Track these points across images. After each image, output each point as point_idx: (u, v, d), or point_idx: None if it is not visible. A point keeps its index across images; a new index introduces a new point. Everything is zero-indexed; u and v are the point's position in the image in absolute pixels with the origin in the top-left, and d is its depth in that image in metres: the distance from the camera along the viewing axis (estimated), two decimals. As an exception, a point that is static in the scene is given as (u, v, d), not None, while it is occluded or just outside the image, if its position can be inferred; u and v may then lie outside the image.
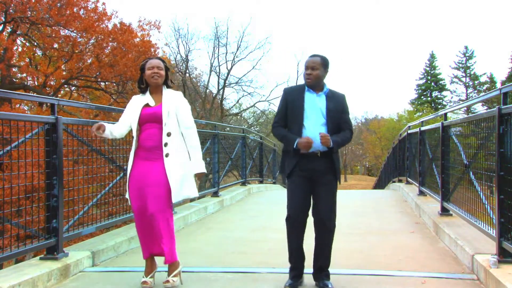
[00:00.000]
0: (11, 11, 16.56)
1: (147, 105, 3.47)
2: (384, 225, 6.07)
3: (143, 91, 3.57)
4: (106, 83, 20.55)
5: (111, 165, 4.96)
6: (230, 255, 4.56)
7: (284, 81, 37.49)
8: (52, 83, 20.74)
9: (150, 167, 3.39)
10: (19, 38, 18.63)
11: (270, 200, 9.03)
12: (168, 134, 3.40)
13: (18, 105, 19.23)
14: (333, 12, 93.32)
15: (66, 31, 18.10)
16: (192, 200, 7.59)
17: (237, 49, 33.11)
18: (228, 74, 33.24)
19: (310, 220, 3.40)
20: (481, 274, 3.47)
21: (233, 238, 5.37)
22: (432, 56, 55.99)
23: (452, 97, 55.21)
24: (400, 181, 11.06)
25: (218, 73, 33.39)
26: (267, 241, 5.04)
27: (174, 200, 3.39)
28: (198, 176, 3.48)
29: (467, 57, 54.11)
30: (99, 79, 19.93)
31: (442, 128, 5.64)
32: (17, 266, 3.59)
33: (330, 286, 3.31)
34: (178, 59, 32.40)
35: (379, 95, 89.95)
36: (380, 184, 18.39)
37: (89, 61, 19.47)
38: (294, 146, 3.30)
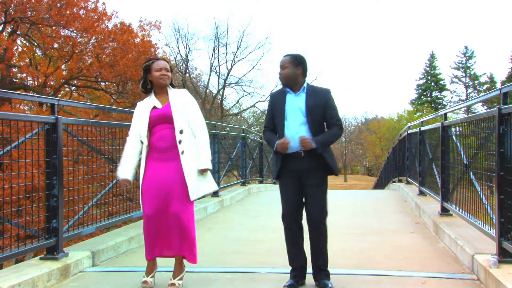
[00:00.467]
0: (11, 11, 16.56)
1: (154, 107, 3.44)
2: (384, 225, 6.07)
3: (147, 92, 3.53)
4: (106, 83, 20.55)
5: (111, 165, 4.96)
6: (230, 255, 4.57)
7: (284, 81, 37.32)
8: (52, 83, 20.73)
9: (168, 167, 3.36)
10: (19, 38, 18.63)
11: (270, 200, 9.03)
12: (181, 132, 3.39)
13: (19, 105, 19.23)
14: (333, 12, 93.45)
15: (66, 31, 18.09)
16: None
17: (237, 49, 33.18)
18: (228, 74, 33.29)
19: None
20: (481, 274, 3.47)
21: (233, 238, 5.38)
22: (432, 56, 56.01)
23: (452, 97, 55.31)
24: (400, 181, 11.06)
25: (218, 73, 33.44)
26: (267, 241, 5.04)
27: (192, 198, 3.38)
28: (202, 172, 3.42)
29: (467, 57, 54.12)
30: (99, 79, 19.92)
31: (442, 128, 5.64)
32: (17, 266, 3.59)
33: (330, 286, 3.30)
34: (178, 59, 32.47)
35: (379, 95, 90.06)
36: (380, 184, 18.39)
37: (89, 61, 19.47)
38: (274, 148, 3.35)
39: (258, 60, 38.04)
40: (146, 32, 21.02)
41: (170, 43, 32.41)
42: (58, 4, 16.94)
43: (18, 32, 17.76)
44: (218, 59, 33.36)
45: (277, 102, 3.45)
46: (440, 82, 55.65)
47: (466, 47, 54.57)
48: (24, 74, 19.66)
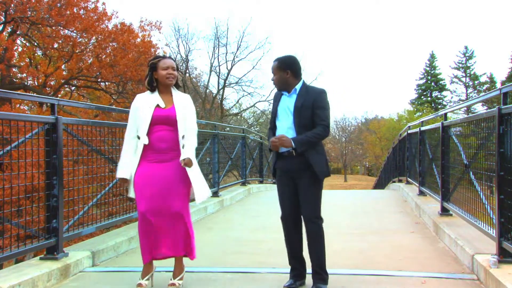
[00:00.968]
0: (11, 11, 16.57)
1: (157, 106, 3.40)
2: (384, 225, 6.07)
3: (153, 90, 3.47)
4: (106, 83, 20.55)
5: (111, 165, 4.96)
6: (230, 255, 4.57)
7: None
8: (52, 83, 20.74)
9: (165, 167, 3.34)
10: (19, 38, 18.63)
11: (270, 200, 9.02)
12: (183, 137, 3.38)
13: (19, 105, 19.24)
14: (333, 12, 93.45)
15: (66, 31, 18.10)
16: (192, 200, 7.58)
17: (237, 49, 33.19)
18: (228, 74, 33.30)
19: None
20: (481, 274, 3.47)
21: (233, 238, 5.38)
22: (432, 56, 56.03)
23: (452, 97, 55.34)
24: (400, 181, 11.07)
25: (218, 73, 33.44)
26: (267, 241, 5.04)
27: (198, 201, 3.40)
28: (185, 162, 3.32)
29: (467, 57, 54.14)
30: (99, 79, 19.93)
31: (442, 128, 5.64)
32: (17, 266, 3.59)
33: None
34: (178, 59, 32.42)
35: (379, 95, 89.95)
36: (380, 184, 18.40)
37: (89, 61, 19.47)
38: (269, 147, 3.41)
39: (258, 60, 38.10)
40: (146, 32, 21.03)
41: (170, 43, 32.43)
42: (58, 4, 16.94)
43: (18, 32, 17.76)
44: (218, 59, 33.40)
45: (274, 103, 3.51)
46: (440, 82, 55.66)
47: (466, 47, 54.66)
48: (24, 74, 19.66)
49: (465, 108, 26.65)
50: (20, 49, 20.04)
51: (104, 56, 19.10)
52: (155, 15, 71.58)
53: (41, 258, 3.77)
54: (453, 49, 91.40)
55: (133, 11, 60.53)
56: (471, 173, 4.52)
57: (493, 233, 3.64)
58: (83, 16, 18.25)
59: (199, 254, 4.56)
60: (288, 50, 78.88)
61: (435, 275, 3.66)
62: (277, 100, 3.49)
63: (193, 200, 3.52)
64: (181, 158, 3.31)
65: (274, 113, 3.47)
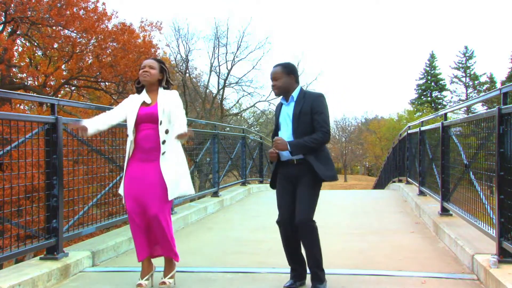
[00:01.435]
0: (11, 11, 16.57)
1: (144, 103, 3.43)
2: (384, 225, 6.07)
3: (138, 91, 3.53)
4: (107, 83, 20.56)
5: (111, 165, 4.96)
6: (230, 255, 4.57)
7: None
8: (52, 83, 20.74)
9: (148, 168, 3.35)
10: (19, 38, 18.63)
11: (270, 200, 9.01)
12: (166, 132, 3.37)
13: (19, 105, 19.24)
14: (333, 12, 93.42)
15: (66, 31, 18.11)
16: (192, 200, 7.60)
17: (237, 49, 33.16)
18: (228, 74, 33.28)
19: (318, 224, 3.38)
20: (481, 274, 3.47)
21: (233, 238, 5.38)
22: (432, 56, 56.01)
23: (452, 97, 55.30)
24: (400, 181, 11.07)
25: (218, 73, 33.42)
26: (267, 241, 5.04)
27: (171, 197, 3.36)
28: (181, 137, 3.26)
29: (467, 57, 54.12)
30: (99, 79, 19.93)
31: (442, 128, 5.64)
32: (17, 266, 3.59)
33: None
34: (178, 59, 32.46)
35: (379, 95, 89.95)
36: (380, 184, 18.39)
37: (89, 61, 19.47)
38: (268, 160, 3.38)
39: (258, 60, 38.12)
40: (147, 33, 21.04)
41: (170, 43, 32.48)
42: (58, 4, 16.95)
43: (18, 32, 17.76)
44: (218, 59, 33.38)
45: (276, 114, 3.54)
46: (440, 82, 55.65)
47: (466, 47, 54.64)
48: (24, 74, 19.67)
49: (465, 108, 26.66)
50: (20, 49, 20.06)
51: (104, 56, 19.11)
52: (155, 15, 71.67)
53: (41, 258, 3.77)
54: (453, 49, 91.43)
55: (133, 11, 60.56)
56: (471, 173, 4.52)
57: (493, 233, 3.64)
58: (83, 16, 18.25)
59: (199, 254, 4.58)
60: (288, 50, 78.91)
61: (435, 275, 3.66)
62: (277, 111, 3.51)
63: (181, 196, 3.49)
64: (174, 136, 3.27)
65: (277, 125, 3.48)
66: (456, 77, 54.64)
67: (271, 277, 3.70)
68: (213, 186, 8.19)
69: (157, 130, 3.36)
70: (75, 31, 18.12)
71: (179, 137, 3.23)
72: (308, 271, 3.41)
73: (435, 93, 55.74)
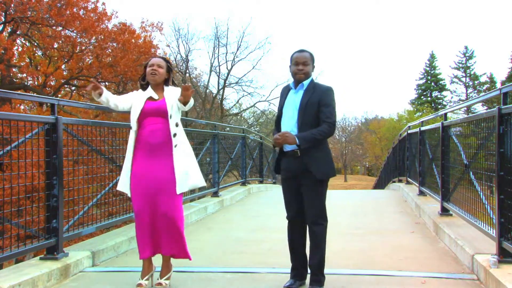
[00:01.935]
0: (11, 11, 16.57)
1: (150, 98, 3.44)
2: (384, 225, 6.07)
3: (143, 88, 3.53)
4: (107, 83, 20.55)
5: (111, 165, 4.96)
6: (230, 255, 4.57)
7: (284, 81, 37.40)
8: (52, 83, 20.74)
9: (157, 164, 3.35)
10: (19, 38, 18.63)
11: (270, 200, 9.03)
12: (176, 125, 3.41)
13: (20, 105, 19.23)
14: (333, 12, 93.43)
15: (66, 31, 18.10)
16: (192, 200, 7.59)
17: (237, 49, 33.11)
18: (228, 74, 33.24)
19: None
20: (481, 274, 3.47)
21: (233, 238, 5.37)
22: (432, 56, 56.00)
23: (452, 97, 55.30)
24: (400, 181, 11.06)
25: (218, 73, 33.39)
26: (267, 241, 5.04)
27: (182, 190, 3.39)
28: (186, 89, 3.30)
29: (467, 57, 54.12)
30: (99, 80, 19.92)
31: (442, 128, 5.64)
32: (17, 266, 3.59)
33: None
34: (178, 59, 32.42)
35: (379, 95, 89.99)
36: (380, 184, 18.39)
37: (89, 61, 19.47)
38: (272, 144, 3.36)
39: (258, 60, 38.01)
40: (148, 33, 21.04)
41: (170, 43, 32.42)
42: (58, 4, 16.95)
43: (18, 32, 17.76)
44: (218, 59, 33.34)
45: (281, 98, 3.47)
46: (440, 82, 55.63)
47: (466, 47, 54.64)
48: (24, 74, 19.67)
49: (465, 108, 26.65)
50: (20, 49, 20.05)
51: (104, 56, 19.10)
52: (155, 15, 71.68)
53: (41, 258, 3.77)
54: (453, 49, 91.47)
55: (133, 11, 60.57)
56: (471, 173, 4.52)
57: (493, 233, 3.64)
58: (83, 16, 18.25)
59: (199, 254, 4.58)
60: (288, 50, 78.88)
61: (435, 275, 3.66)
62: (283, 95, 3.44)
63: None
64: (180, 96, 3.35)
65: (280, 110, 3.43)
66: (456, 77, 54.64)
67: (271, 277, 3.70)
68: (213, 186, 8.19)
69: (166, 124, 3.37)
70: (75, 31, 18.12)
71: (184, 89, 3.28)
72: (308, 271, 3.41)
73: (435, 93, 55.72)
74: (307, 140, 3.19)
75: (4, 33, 17.48)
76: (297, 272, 3.41)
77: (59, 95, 20.64)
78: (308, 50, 3.40)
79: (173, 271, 3.58)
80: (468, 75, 54.00)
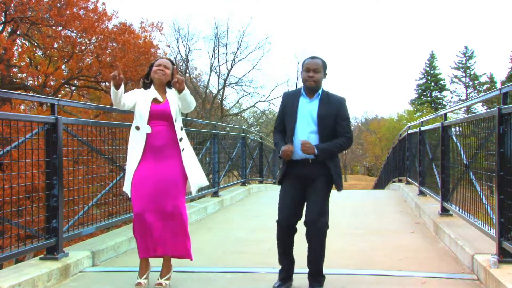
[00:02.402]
0: (11, 11, 16.57)
1: (155, 100, 3.44)
2: (384, 225, 6.07)
3: (145, 87, 3.53)
4: (107, 83, 20.54)
5: (111, 165, 4.96)
6: (230, 255, 4.57)
7: (284, 81, 37.58)
8: (52, 83, 20.75)
9: (162, 166, 3.36)
10: (19, 38, 18.63)
11: (270, 200, 9.02)
12: (181, 128, 3.48)
13: (21, 105, 19.24)
14: (333, 12, 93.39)
15: (66, 31, 18.11)
16: (192, 200, 7.59)
17: (237, 49, 33.13)
18: (228, 74, 33.25)
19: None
20: (481, 274, 3.47)
21: (233, 238, 5.38)
22: (432, 56, 56.00)
23: (452, 97, 55.31)
24: (400, 181, 11.07)
25: (218, 73, 33.40)
26: (267, 241, 5.03)
27: (195, 192, 3.50)
28: (177, 78, 3.31)
29: (467, 57, 54.13)
30: (99, 79, 19.93)
31: (442, 128, 5.64)
32: (17, 266, 3.59)
33: None
34: (178, 59, 32.40)
35: (379, 95, 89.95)
36: (380, 184, 18.39)
37: (89, 61, 19.47)
38: (279, 154, 3.28)
39: (258, 60, 38.10)
40: (148, 33, 21.04)
41: (170, 43, 32.42)
42: (58, 4, 16.95)
43: (18, 32, 17.76)
44: (218, 59, 33.35)
45: (289, 105, 3.35)
46: (440, 82, 55.64)
47: (466, 47, 54.64)
48: (24, 74, 19.67)
49: (465, 108, 26.65)
50: (20, 49, 20.05)
51: (104, 56, 19.10)
52: (155, 15, 71.61)
53: (41, 258, 3.77)
54: (453, 49, 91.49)
55: (133, 12, 60.55)
56: (471, 173, 4.52)
57: (493, 233, 3.64)
58: (83, 16, 18.25)
59: (199, 254, 4.58)
60: (288, 50, 78.90)
61: (435, 275, 3.66)
62: (292, 102, 3.34)
63: (190, 193, 3.55)
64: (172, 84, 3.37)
65: (284, 115, 3.34)
66: (456, 77, 54.65)
67: (271, 277, 3.70)
68: (213, 186, 8.19)
69: (168, 127, 3.40)
70: (75, 31, 18.12)
71: (177, 78, 3.28)
72: (298, 270, 3.39)
73: (435, 93, 55.73)
74: (325, 151, 3.21)
75: (4, 33, 17.48)
76: (286, 274, 3.36)
77: (59, 95, 20.64)
78: (320, 57, 3.35)
79: (173, 271, 3.58)
80: (468, 75, 54.01)
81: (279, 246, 3.39)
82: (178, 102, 3.47)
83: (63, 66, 19.80)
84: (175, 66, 3.52)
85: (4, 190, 3.48)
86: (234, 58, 33.19)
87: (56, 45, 18.66)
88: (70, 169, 4.50)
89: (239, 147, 10.11)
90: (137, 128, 3.39)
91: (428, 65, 56.16)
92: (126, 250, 4.70)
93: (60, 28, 17.78)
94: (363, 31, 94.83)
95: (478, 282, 3.48)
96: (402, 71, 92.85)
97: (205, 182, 3.63)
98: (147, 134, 3.36)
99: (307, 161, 3.25)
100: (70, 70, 19.47)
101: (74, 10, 17.99)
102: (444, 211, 5.53)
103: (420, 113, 43.90)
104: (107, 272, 4.00)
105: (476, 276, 3.58)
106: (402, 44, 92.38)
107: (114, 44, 18.97)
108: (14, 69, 19.25)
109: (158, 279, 3.46)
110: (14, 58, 19.02)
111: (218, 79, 33.47)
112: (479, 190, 4.23)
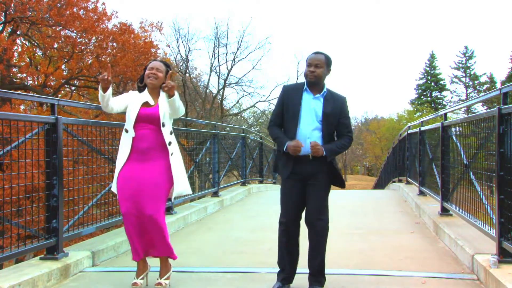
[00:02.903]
0: (11, 11, 16.57)
1: (146, 103, 3.42)
2: (384, 225, 6.07)
3: (140, 90, 3.51)
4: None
5: (111, 165, 4.96)
6: (230, 255, 4.57)
7: (284, 81, 37.40)
8: (52, 83, 20.75)
9: (145, 168, 3.35)
10: (19, 38, 18.63)
11: (270, 200, 9.02)
12: (171, 133, 3.43)
13: (21, 105, 19.24)
14: (333, 12, 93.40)
15: (66, 31, 18.11)
16: (192, 200, 7.60)
17: (237, 49, 33.11)
18: (228, 74, 33.24)
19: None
20: (481, 274, 3.47)
21: (233, 238, 5.38)
22: (432, 56, 55.97)
23: (452, 97, 55.25)
24: (400, 181, 11.06)
25: (218, 73, 33.38)
26: (267, 241, 5.03)
27: (173, 198, 3.46)
28: (169, 83, 3.27)
29: (467, 57, 54.10)
30: (99, 80, 19.92)
31: (442, 128, 5.64)
32: (17, 266, 3.59)
33: None
34: (178, 59, 32.41)
35: (379, 95, 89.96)
36: (380, 184, 18.39)
37: (89, 61, 19.47)
38: (284, 149, 3.23)
39: (258, 60, 38.10)
40: (148, 33, 21.04)
41: (170, 43, 32.41)
42: (58, 4, 16.95)
43: (18, 32, 17.76)
44: (218, 59, 33.33)
45: (291, 99, 3.28)
46: (440, 82, 55.61)
47: (466, 47, 54.60)
48: (24, 74, 19.67)
49: (465, 108, 26.65)
50: (20, 49, 20.05)
51: (104, 56, 19.10)
52: (155, 15, 71.59)
53: (41, 258, 3.77)
54: (453, 49, 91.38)
55: (133, 11, 60.55)
56: (471, 173, 4.52)
57: (493, 233, 3.64)
58: (83, 16, 18.25)
59: (199, 254, 4.58)
60: (288, 50, 78.92)
61: (435, 275, 3.66)
62: (294, 97, 3.27)
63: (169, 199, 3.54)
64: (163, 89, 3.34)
65: (294, 113, 3.25)
66: (456, 77, 54.63)
67: (271, 277, 3.69)
68: (213, 186, 8.19)
69: (154, 131, 3.37)
70: (75, 31, 18.12)
71: (167, 83, 3.25)
72: (300, 270, 3.38)
73: (435, 93, 55.71)
74: (332, 152, 3.24)
75: (4, 33, 17.48)
76: (286, 276, 3.33)
77: (59, 95, 20.64)
78: (324, 52, 3.30)
79: (173, 271, 3.58)
80: (468, 75, 53.99)
81: (282, 248, 3.35)
82: (168, 107, 3.42)
83: (63, 66, 19.80)
84: (170, 70, 3.46)
85: (4, 190, 3.47)
86: (234, 58, 33.19)
87: (56, 45, 18.66)
88: (70, 169, 4.49)
89: (239, 147, 10.12)
90: (126, 130, 3.40)
91: (428, 65, 56.14)
92: (126, 250, 4.70)
93: (60, 28, 17.78)
94: (363, 31, 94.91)
95: (478, 282, 3.48)
96: (402, 71, 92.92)
97: (188, 190, 3.55)
98: (133, 137, 3.36)
99: (308, 158, 3.24)
100: (70, 70, 19.47)
101: (74, 10, 18.00)
102: (444, 211, 5.53)
103: (420, 113, 43.88)
104: (107, 272, 4.00)
105: (476, 276, 3.58)
106: (402, 44, 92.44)
107: (114, 44, 18.98)
108: (14, 69, 19.25)
109: (157, 279, 3.46)
110: (14, 58, 19.02)
111: (218, 79, 33.48)
112: (479, 190, 4.23)
